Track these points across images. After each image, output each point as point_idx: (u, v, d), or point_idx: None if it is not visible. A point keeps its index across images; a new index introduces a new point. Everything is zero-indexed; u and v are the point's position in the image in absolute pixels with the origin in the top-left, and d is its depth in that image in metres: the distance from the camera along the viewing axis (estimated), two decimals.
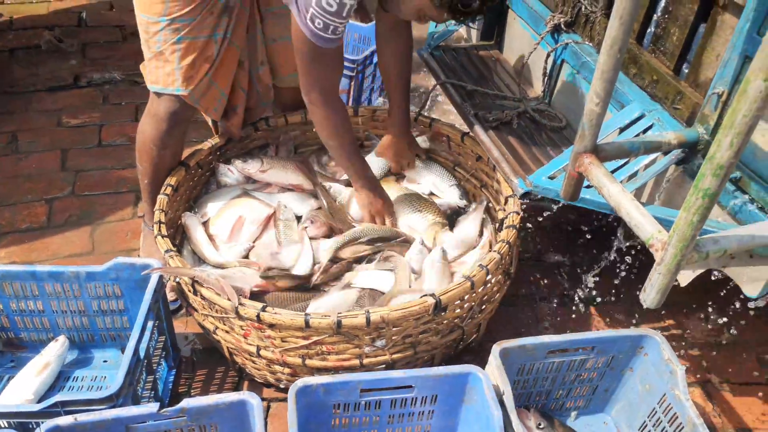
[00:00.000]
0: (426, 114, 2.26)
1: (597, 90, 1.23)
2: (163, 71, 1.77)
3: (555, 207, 1.81)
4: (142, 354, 1.57)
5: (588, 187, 1.49)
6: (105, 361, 1.83)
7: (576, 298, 2.12)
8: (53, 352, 1.75)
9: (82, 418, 1.33)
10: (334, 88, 1.78)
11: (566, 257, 2.28)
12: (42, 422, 1.32)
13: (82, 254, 2.21)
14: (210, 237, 1.96)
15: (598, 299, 2.13)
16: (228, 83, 1.89)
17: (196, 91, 1.80)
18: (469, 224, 2.02)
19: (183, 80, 1.77)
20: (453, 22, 1.59)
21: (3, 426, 1.42)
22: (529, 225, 2.36)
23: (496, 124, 2.04)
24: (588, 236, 2.33)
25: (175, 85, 1.77)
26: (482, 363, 1.55)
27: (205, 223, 2.00)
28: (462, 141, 2.14)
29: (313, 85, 1.72)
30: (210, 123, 2.19)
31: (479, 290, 1.70)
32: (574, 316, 2.08)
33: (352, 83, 2.66)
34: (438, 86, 2.26)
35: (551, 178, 1.73)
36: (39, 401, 1.64)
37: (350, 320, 1.53)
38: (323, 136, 1.85)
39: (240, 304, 1.57)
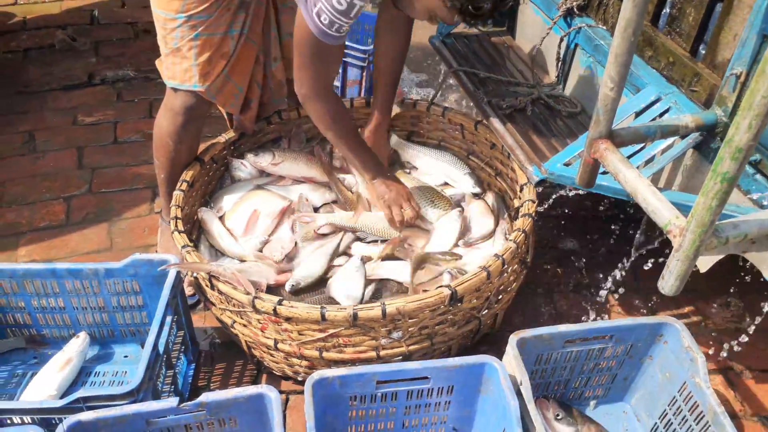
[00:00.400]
0: (438, 102, 2.24)
1: (611, 74, 1.21)
2: (180, 67, 1.78)
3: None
4: (161, 349, 1.59)
5: (604, 173, 1.47)
6: (125, 357, 1.85)
7: (593, 286, 2.11)
8: (75, 349, 1.78)
9: (104, 413, 1.35)
10: (328, 82, 1.77)
11: (583, 245, 2.26)
12: (65, 418, 1.34)
13: (101, 251, 2.23)
14: (228, 230, 1.97)
15: (616, 287, 2.11)
16: (245, 79, 1.90)
17: (213, 87, 1.81)
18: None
19: (200, 76, 1.78)
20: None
21: (27, 422, 1.45)
22: (554, 213, 2.34)
23: (510, 112, 2.02)
24: (605, 223, 2.30)
25: (192, 81, 1.78)
26: (499, 353, 1.55)
27: (220, 218, 2.01)
28: (475, 129, 2.12)
29: (307, 79, 1.71)
30: (225, 115, 2.19)
31: (495, 280, 1.69)
32: (591, 304, 2.06)
33: (364, 74, 2.65)
34: (450, 74, 2.23)
35: (566, 164, 1.71)
36: (62, 397, 1.67)
37: (366, 312, 1.53)
38: (321, 129, 1.84)
39: (256, 297, 1.58)
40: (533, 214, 1.80)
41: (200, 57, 1.75)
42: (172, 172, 1.95)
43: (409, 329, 1.61)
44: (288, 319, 1.58)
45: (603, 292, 2.09)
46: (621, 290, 2.10)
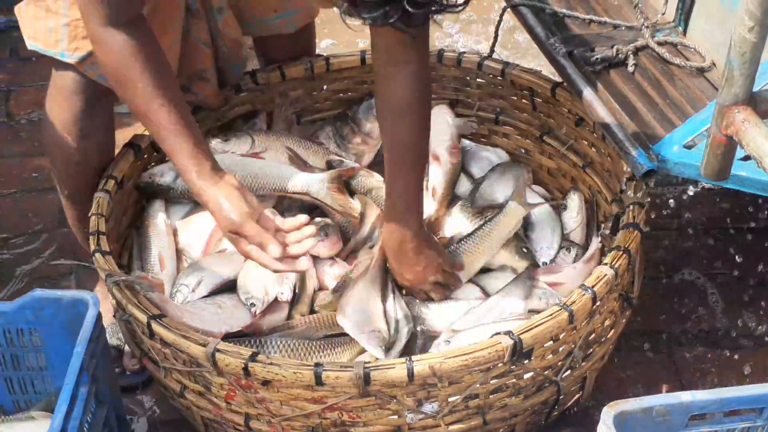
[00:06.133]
0: (495, 54, 2.26)
1: (751, 7, 1.20)
2: (45, 24, 1.72)
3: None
4: None
5: (745, 159, 1.48)
6: None
7: (733, 334, 2.11)
8: None
9: None
10: (132, 6, 1.60)
11: (717, 271, 2.27)
12: None
13: None
14: (178, 253, 2.02)
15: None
16: (165, 42, 1.75)
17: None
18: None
19: (70, 39, 1.71)
20: None
21: None
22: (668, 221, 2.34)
23: (603, 67, 2.03)
24: (750, 236, 2.31)
25: (59, 47, 1.73)
26: None
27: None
28: (553, 96, 2.14)
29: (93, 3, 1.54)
30: None
31: (582, 325, 1.69)
32: (730, 361, 2.07)
33: None
34: (509, 10, 2.23)
35: (688, 147, 1.72)
36: None
37: (383, 373, 1.53)
38: (125, 98, 1.65)
39: (217, 349, 1.58)
40: (642, 225, 1.80)
41: (74, 8, 1.66)
42: (80, 189, 1.93)
43: (449, 399, 1.61)
44: (266, 383, 1.59)
45: (749, 344, 2.09)
46: None
